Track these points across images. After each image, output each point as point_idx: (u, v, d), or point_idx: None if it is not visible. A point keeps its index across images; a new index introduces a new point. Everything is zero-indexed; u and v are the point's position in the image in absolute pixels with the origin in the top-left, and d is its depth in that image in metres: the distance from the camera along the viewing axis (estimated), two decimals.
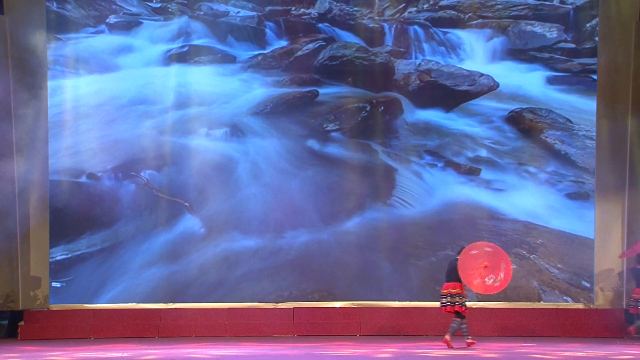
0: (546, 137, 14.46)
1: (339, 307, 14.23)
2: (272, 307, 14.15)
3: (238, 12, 14.70)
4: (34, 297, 14.00)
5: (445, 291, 11.97)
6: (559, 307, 14.11)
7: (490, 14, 14.68)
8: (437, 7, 14.67)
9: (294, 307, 14.14)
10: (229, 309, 14.12)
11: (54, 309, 14.01)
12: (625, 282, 14.02)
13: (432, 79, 14.57)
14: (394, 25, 14.70)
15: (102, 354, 11.44)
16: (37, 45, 14.11)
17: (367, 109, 14.59)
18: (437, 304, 14.05)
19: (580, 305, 14.17)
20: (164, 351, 11.74)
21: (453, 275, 11.88)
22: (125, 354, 11.30)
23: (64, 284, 14.01)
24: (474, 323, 13.96)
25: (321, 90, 14.56)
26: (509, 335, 13.75)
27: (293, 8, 14.69)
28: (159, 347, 12.27)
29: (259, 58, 14.62)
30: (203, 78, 14.53)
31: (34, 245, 13.97)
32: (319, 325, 14.10)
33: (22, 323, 13.91)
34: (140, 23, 14.55)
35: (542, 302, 14.17)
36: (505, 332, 13.92)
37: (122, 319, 14.02)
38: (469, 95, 14.55)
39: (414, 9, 14.72)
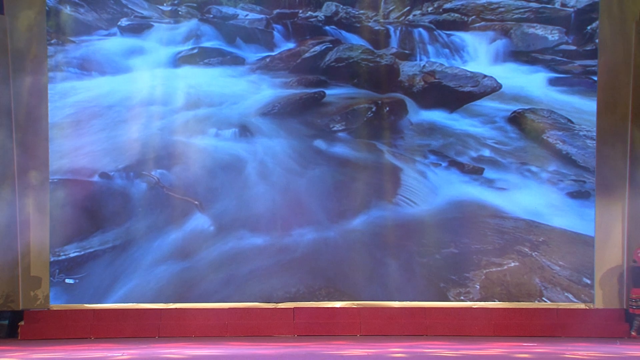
0: (548, 137, 14.59)
1: (340, 307, 14.35)
2: (272, 307, 14.28)
3: (246, 15, 14.89)
4: (34, 297, 14.12)
5: (634, 296, 13.73)
6: (560, 307, 14.22)
7: (493, 17, 14.81)
8: (441, 10, 14.81)
9: (294, 307, 14.26)
10: (229, 309, 14.25)
11: (55, 308, 14.16)
12: (625, 282, 14.11)
13: (436, 80, 14.72)
14: (399, 28, 14.86)
15: (102, 354, 11.59)
16: (37, 45, 14.28)
17: (373, 109, 14.77)
18: (438, 303, 14.29)
19: (580, 305, 14.25)
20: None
21: None
22: (124, 354, 11.47)
23: (77, 281, 14.22)
24: (474, 323, 14.13)
25: (328, 92, 14.73)
26: (509, 335, 13.86)
27: (300, 11, 14.86)
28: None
29: (267, 60, 14.81)
30: (212, 79, 14.72)
31: (34, 245, 14.11)
32: (319, 325, 14.24)
33: (22, 323, 14.04)
34: (151, 26, 14.76)
35: (542, 302, 14.28)
36: (505, 332, 14.04)
37: (122, 319, 14.15)
38: (473, 96, 14.68)
39: (419, 12, 14.86)
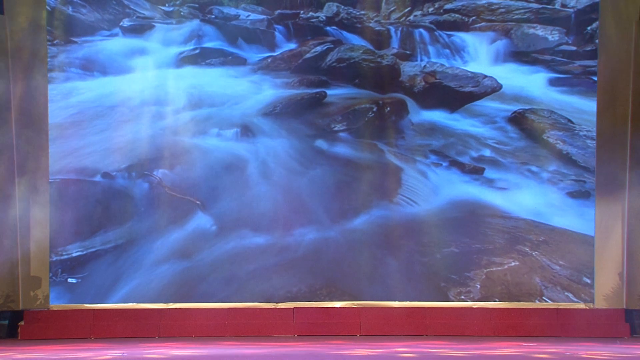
0: (548, 137, 14.65)
1: (339, 307, 14.39)
2: (272, 307, 14.31)
3: (248, 15, 14.95)
4: (34, 297, 14.12)
5: None
6: (559, 307, 14.26)
7: (493, 17, 14.88)
8: (442, 11, 14.88)
9: (294, 307, 14.29)
10: (229, 309, 14.29)
11: (55, 308, 14.17)
12: (625, 282, 14.17)
13: (437, 80, 14.78)
14: (400, 29, 14.92)
15: (102, 354, 11.58)
16: (37, 45, 14.27)
17: (374, 109, 14.82)
18: (438, 303, 14.33)
19: (580, 305, 14.30)
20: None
21: None
22: (125, 354, 11.49)
23: (80, 280, 14.25)
24: (474, 323, 14.17)
25: (329, 92, 14.79)
26: (509, 335, 13.92)
27: (302, 12, 14.92)
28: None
29: (269, 60, 14.87)
30: (214, 80, 14.77)
31: (34, 245, 14.11)
32: (319, 325, 14.28)
33: (22, 323, 14.06)
34: (153, 26, 14.82)
35: (543, 302, 14.32)
36: (505, 332, 14.10)
37: (122, 319, 14.19)
38: (473, 97, 14.75)
39: (420, 12, 14.93)
